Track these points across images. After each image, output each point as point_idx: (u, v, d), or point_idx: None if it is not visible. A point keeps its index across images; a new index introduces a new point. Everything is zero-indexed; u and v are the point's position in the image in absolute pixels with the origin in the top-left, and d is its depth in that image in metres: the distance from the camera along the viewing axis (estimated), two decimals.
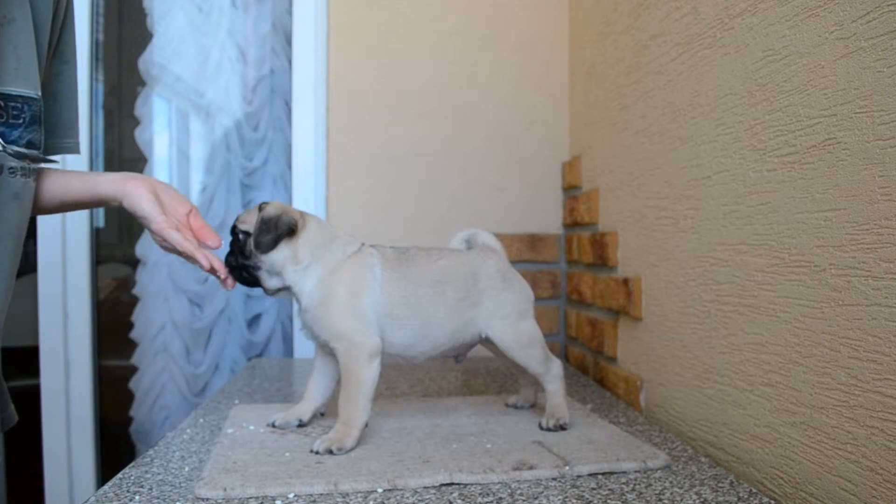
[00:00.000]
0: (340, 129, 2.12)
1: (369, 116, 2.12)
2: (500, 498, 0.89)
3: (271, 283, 1.17)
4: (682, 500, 0.89)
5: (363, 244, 1.20)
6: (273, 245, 1.13)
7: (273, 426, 1.20)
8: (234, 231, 1.18)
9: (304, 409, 1.23)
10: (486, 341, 1.23)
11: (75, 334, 2.16)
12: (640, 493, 0.91)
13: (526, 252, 2.13)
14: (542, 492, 0.92)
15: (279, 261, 1.14)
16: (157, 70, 2.28)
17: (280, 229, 1.13)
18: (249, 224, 1.16)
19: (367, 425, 1.11)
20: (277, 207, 1.16)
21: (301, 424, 1.22)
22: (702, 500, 0.89)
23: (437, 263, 1.19)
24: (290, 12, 2.26)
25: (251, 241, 1.14)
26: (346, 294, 1.12)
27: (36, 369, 2.14)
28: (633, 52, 1.56)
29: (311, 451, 1.05)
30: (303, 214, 1.18)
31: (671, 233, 1.36)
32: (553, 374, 1.24)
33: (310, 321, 1.15)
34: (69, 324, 2.16)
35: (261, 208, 1.16)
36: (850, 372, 0.86)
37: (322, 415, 1.27)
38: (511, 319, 1.21)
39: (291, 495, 0.90)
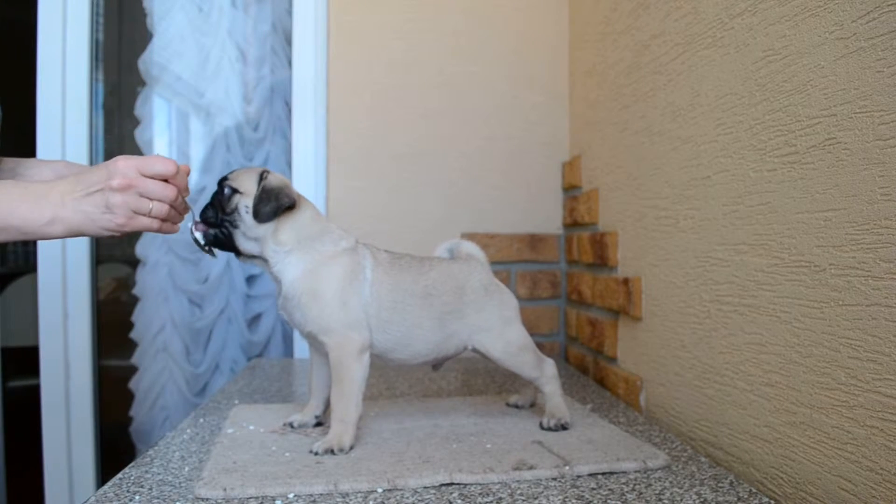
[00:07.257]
0: (340, 129, 2.12)
1: (369, 116, 2.12)
2: (500, 498, 0.89)
3: (246, 245, 1.14)
4: (682, 500, 0.89)
5: (358, 242, 1.20)
6: (272, 216, 1.12)
7: (291, 426, 1.21)
8: (220, 185, 1.16)
9: (317, 403, 1.23)
10: (476, 352, 1.23)
11: (75, 334, 2.16)
12: (640, 493, 0.91)
13: (526, 252, 2.13)
14: (542, 492, 0.92)
15: (262, 231, 1.13)
16: (157, 70, 2.28)
17: (281, 201, 1.12)
18: (241, 184, 1.13)
19: (360, 418, 1.11)
20: (280, 180, 1.15)
21: (318, 422, 1.22)
22: (702, 500, 0.89)
23: (428, 275, 1.19)
24: (290, 12, 2.26)
25: (242, 204, 1.12)
26: (336, 288, 1.12)
27: (36, 369, 2.14)
28: (633, 52, 1.56)
29: (311, 453, 1.05)
30: (301, 198, 1.17)
31: (671, 233, 1.36)
32: (548, 376, 1.24)
33: (291, 308, 1.14)
34: (69, 324, 2.16)
35: (262, 176, 1.13)
36: (850, 372, 0.86)
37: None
38: (496, 330, 1.21)
39: (291, 495, 0.90)
